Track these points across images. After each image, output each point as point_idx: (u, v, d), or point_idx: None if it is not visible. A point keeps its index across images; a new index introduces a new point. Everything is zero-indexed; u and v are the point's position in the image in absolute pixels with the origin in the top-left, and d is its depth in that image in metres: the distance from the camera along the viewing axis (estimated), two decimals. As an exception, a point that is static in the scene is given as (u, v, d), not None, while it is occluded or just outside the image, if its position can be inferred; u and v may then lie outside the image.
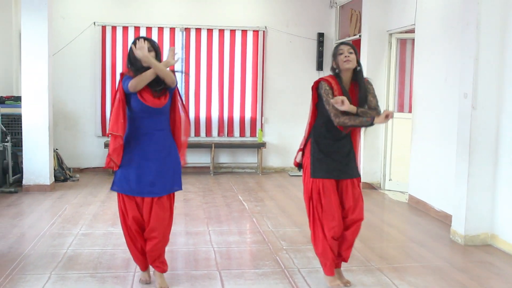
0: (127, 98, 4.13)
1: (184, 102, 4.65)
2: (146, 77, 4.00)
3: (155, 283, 4.29)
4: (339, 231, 4.30)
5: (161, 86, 4.10)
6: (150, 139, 4.14)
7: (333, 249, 4.30)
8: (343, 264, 4.59)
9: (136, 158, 4.13)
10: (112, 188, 4.24)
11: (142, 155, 4.13)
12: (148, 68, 4.04)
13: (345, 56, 4.19)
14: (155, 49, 4.15)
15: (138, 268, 4.53)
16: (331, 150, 4.31)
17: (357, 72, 4.27)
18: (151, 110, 4.09)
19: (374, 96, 4.32)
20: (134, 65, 4.10)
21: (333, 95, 4.18)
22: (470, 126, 5.57)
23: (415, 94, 7.49)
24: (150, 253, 4.22)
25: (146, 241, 4.23)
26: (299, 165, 4.51)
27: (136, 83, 3.99)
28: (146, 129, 4.13)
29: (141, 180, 4.11)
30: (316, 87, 4.31)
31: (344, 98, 4.07)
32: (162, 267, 4.30)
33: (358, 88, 4.27)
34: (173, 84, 4.12)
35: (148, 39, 4.15)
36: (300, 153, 4.47)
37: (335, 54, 4.28)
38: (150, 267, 4.41)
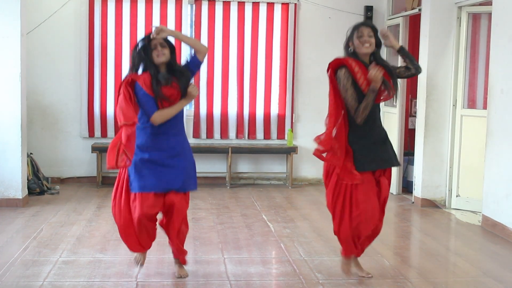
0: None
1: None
2: (172, 114, 5.11)
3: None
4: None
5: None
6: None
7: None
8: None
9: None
10: None
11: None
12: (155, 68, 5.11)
13: (365, 40, 5.01)
14: (169, 45, 5.16)
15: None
16: (369, 139, 5.15)
17: (374, 54, 5.11)
18: None
19: (397, 67, 5.31)
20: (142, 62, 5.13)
21: (358, 81, 4.98)
22: None
23: (492, 85, 7.40)
24: None
25: None
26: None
27: (162, 119, 5.07)
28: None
29: None
30: (334, 73, 5.08)
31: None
32: None
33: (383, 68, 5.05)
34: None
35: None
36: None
37: (352, 36, 5.08)
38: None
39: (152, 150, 5.10)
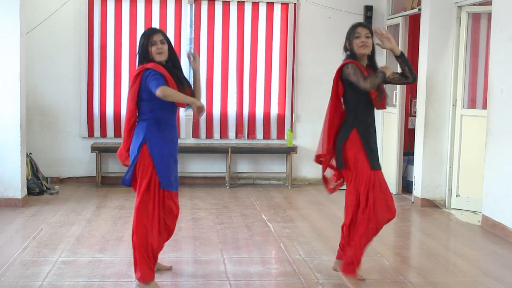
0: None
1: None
2: (178, 98, 5.09)
3: None
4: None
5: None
6: None
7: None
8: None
9: None
10: None
11: None
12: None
13: (362, 41, 5.04)
14: (168, 41, 5.14)
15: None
16: (372, 138, 5.16)
17: (371, 57, 5.18)
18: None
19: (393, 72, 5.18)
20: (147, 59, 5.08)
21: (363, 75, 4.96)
22: None
23: (492, 85, 7.40)
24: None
25: None
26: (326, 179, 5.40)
27: (170, 95, 4.94)
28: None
29: None
30: (340, 74, 5.12)
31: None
32: None
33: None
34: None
35: (160, 31, 5.15)
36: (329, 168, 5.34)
37: (350, 36, 5.11)
38: None
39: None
